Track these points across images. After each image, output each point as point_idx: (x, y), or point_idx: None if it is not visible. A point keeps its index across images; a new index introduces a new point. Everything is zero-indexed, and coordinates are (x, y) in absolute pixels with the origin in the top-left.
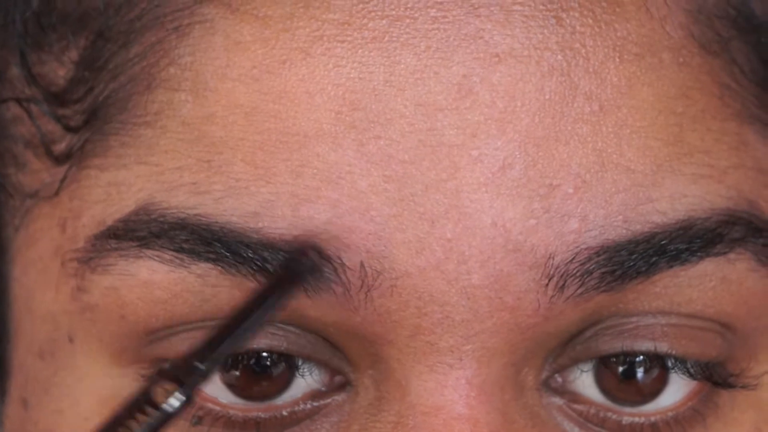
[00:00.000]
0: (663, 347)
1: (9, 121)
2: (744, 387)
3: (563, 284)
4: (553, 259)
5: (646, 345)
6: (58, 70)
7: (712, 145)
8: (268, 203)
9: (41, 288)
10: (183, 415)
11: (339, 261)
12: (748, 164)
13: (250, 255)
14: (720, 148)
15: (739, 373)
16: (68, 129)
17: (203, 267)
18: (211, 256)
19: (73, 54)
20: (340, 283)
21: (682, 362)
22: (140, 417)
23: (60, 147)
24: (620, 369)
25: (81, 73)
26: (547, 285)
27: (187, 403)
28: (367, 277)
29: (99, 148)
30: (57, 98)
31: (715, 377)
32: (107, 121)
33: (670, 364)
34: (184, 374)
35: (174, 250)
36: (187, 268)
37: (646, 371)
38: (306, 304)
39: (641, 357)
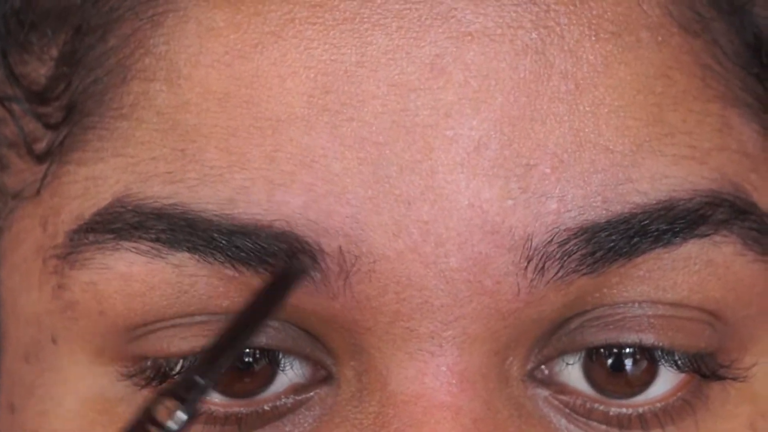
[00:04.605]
0: (649, 339)
1: None
2: (734, 379)
3: (543, 266)
4: (532, 240)
5: (632, 337)
6: (39, 69)
7: (695, 126)
8: (243, 189)
9: (25, 289)
10: None
11: (318, 247)
12: (732, 147)
13: (225, 242)
14: (703, 129)
15: (728, 365)
16: (48, 126)
17: (180, 257)
18: (188, 245)
19: (53, 51)
20: (319, 270)
21: (669, 354)
22: None
23: (41, 145)
24: (608, 362)
25: (60, 70)
26: (526, 267)
27: (190, 420)
28: (345, 263)
29: (77, 143)
30: (38, 97)
31: (704, 369)
32: (85, 116)
33: (657, 356)
34: (185, 390)
35: (151, 241)
36: (164, 259)
37: (634, 363)
38: None
39: (629, 349)
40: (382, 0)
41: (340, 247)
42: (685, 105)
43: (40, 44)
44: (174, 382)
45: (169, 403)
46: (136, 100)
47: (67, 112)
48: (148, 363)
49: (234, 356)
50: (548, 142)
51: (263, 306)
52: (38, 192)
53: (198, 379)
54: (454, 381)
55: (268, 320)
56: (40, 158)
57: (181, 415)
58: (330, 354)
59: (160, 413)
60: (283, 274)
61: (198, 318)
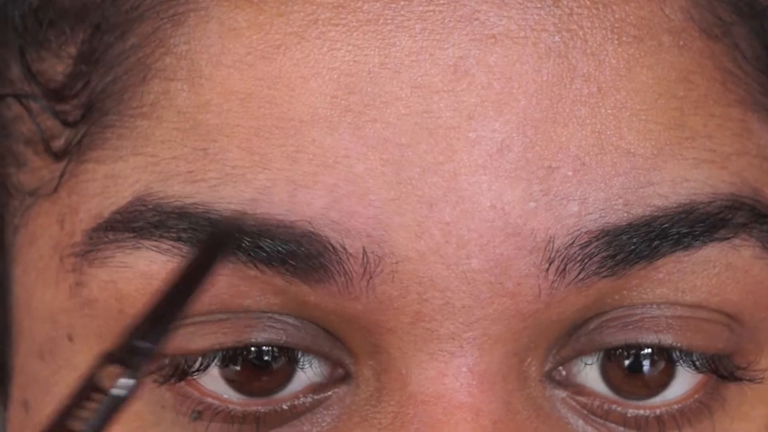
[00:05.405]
0: (667, 340)
1: (9, 120)
2: (751, 380)
3: (564, 268)
4: (553, 242)
5: (651, 338)
6: (57, 66)
7: (715, 130)
8: (265, 190)
9: (41, 287)
10: (181, 410)
11: (341, 248)
12: (752, 152)
13: (247, 242)
14: (723, 134)
15: (746, 366)
16: (66, 124)
17: None
18: None
19: (72, 49)
20: (342, 273)
21: (687, 355)
22: (89, 405)
23: (59, 143)
24: (626, 362)
25: (79, 68)
26: (547, 269)
27: (135, 385)
28: (369, 264)
29: (96, 141)
30: (56, 94)
31: (721, 370)
32: (104, 114)
33: (675, 356)
34: (128, 355)
35: (172, 240)
36: (185, 258)
37: (652, 364)
38: (305, 291)
39: (647, 350)
40: (406, 2)
41: (363, 248)
42: (705, 109)
43: (59, 42)
44: (115, 347)
45: (113, 368)
46: (156, 99)
47: (86, 110)
48: (167, 360)
49: (176, 319)
50: (570, 144)
51: (202, 266)
52: (55, 190)
53: (140, 343)
54: (474, 382)
55: (208, 280)
56: (57, 156)
57: (126, 381)
58: (349, 353)
59: (104, 380)
60: (218, 230)
61: (218, 316)
